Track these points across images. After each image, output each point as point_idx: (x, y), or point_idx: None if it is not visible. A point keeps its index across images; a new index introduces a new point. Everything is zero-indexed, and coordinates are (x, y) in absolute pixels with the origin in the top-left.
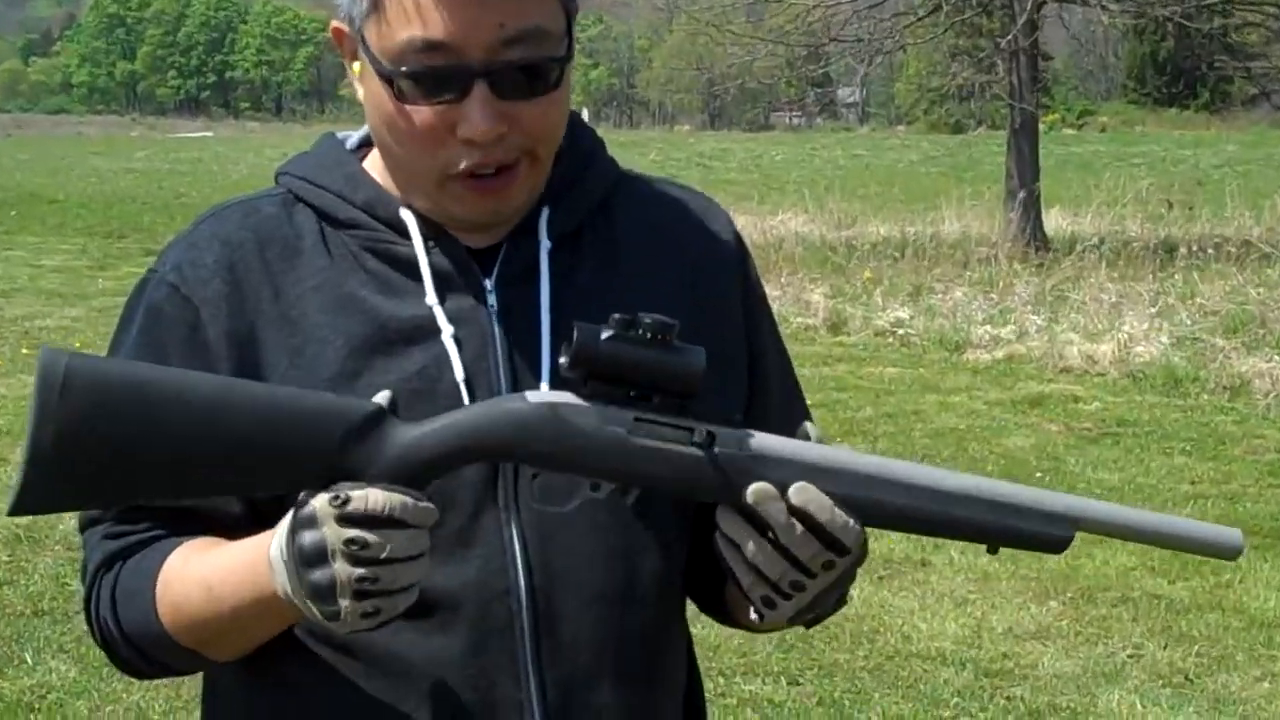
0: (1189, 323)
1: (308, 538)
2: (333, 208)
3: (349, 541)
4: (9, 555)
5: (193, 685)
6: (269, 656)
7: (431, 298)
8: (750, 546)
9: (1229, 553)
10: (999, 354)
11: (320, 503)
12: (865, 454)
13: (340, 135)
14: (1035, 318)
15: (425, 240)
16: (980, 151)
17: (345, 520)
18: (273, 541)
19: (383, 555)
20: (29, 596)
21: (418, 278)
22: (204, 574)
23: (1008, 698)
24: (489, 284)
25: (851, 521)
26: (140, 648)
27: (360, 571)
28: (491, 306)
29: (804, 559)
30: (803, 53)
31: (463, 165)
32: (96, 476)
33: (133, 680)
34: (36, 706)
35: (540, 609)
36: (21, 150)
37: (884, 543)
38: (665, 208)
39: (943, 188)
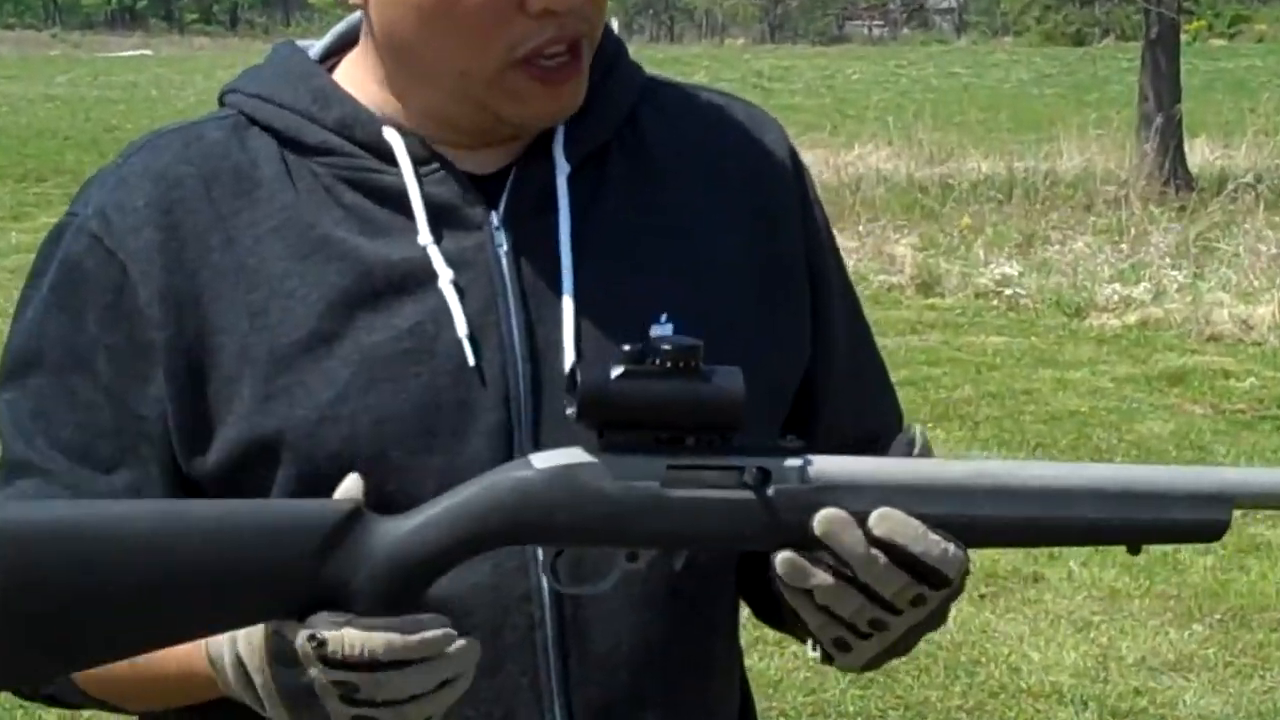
0: None
1: (291, 678)
2: (297, 130)
3: (338, 683)
4: None
5: None
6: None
7: (425, 236)
8: (817, 583)
9: None
10: (1130, 319)
11: (300, 641)
12: (958, 460)
13: (301, 44)
14: (1176, 274)
15: (415, 165)
16: (1107, 69)
17: (329, 663)
18: (225, 648)
19: (380, 698)
20: None
21: (407, 212)
22: None
23: None
24: (495, 218)
25: (951, 548)
26: None
27: (356, 712)
28: (499, 245)
29: (888, 595)
30: None
31: (533, 44)
32: (35, 649)
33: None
34: None
35: (567, 617)
36: None
37: (987, 555)
38: (704, 119)
39: (1060, 113)
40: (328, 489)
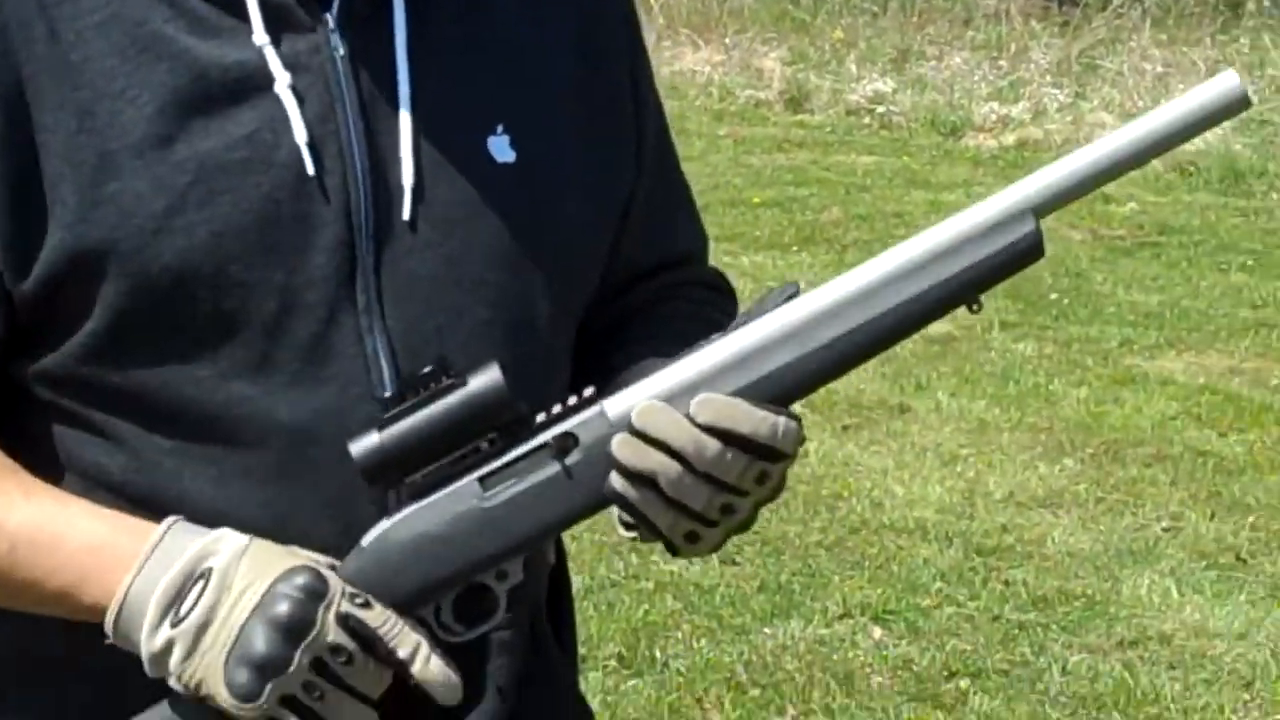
0: (1256, 100)
1: (297, 610)
2: None
3: (335, 647)
4: None
5: None
6: None
7: (261, 35)
8: (661, 468)
9: (1236, 103)
10: (1009, 139)
11: (338, 586)
12: (754, 320)
13: None
14: (1057, 92)
15: None
16: None
17: (347, 626)
18: (140, 576)
19: (350, 681)
20: None
21: (238, 12)
22: (7, 524)
23: (1006, 582)
24: (330, 20)
25: (782, 421)
26: None
27: (314, 679)
28: (336, 49)
29: (732, 479)
30: None
31: None
32: None
33: None
34: None
35: None
36: None
37: (850, 383)
38: None
39: None
40: (159, 305)
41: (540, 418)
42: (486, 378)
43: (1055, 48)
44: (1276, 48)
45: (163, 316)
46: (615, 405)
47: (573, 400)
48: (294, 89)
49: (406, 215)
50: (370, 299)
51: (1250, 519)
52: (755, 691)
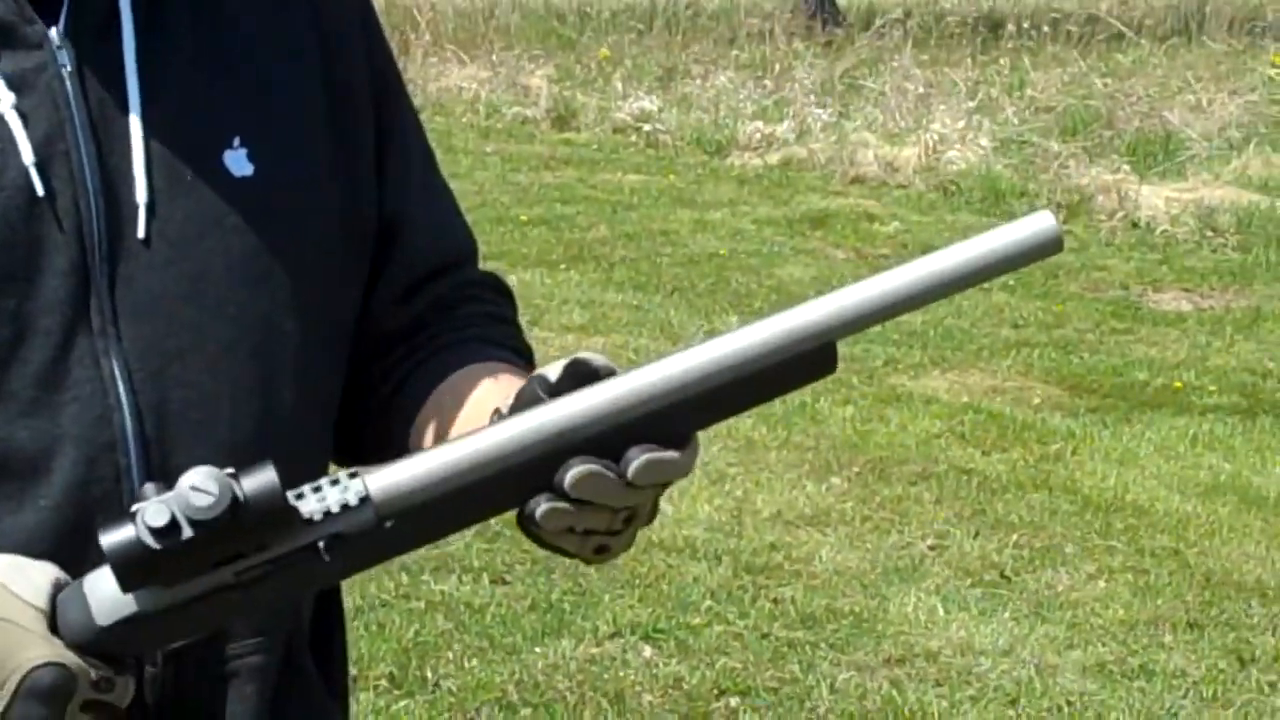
0: (1016, 121)
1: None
2: None
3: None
4: None
5: None
6: None
7: None
8: (583, 522)
9: (1051, 244)
10: (773, 158)
11: (84, 676)
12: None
13: None
14: (821, 112)
15: None
16: None
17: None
18: None
19: None
20: None
21: None
22: None
23: (775, 600)
24: (55, 35)
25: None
26: None
27: None
28: (63, 65)
29: (639, 502)
30: None
31: None
32: None
33: None
34: None
35: (155, 465)
36: None
37: None
38: None
39: None
40: None
41: (304, 506)
42: (262, 485)
43: (819, 68)
44: (1035, 69)
45: None
46: (378, 486)
47: (339, 482)
48: (18, 110)
49: (141, 233)
50: (105, 320)
51: (1014, 536)
52: (527, 711)
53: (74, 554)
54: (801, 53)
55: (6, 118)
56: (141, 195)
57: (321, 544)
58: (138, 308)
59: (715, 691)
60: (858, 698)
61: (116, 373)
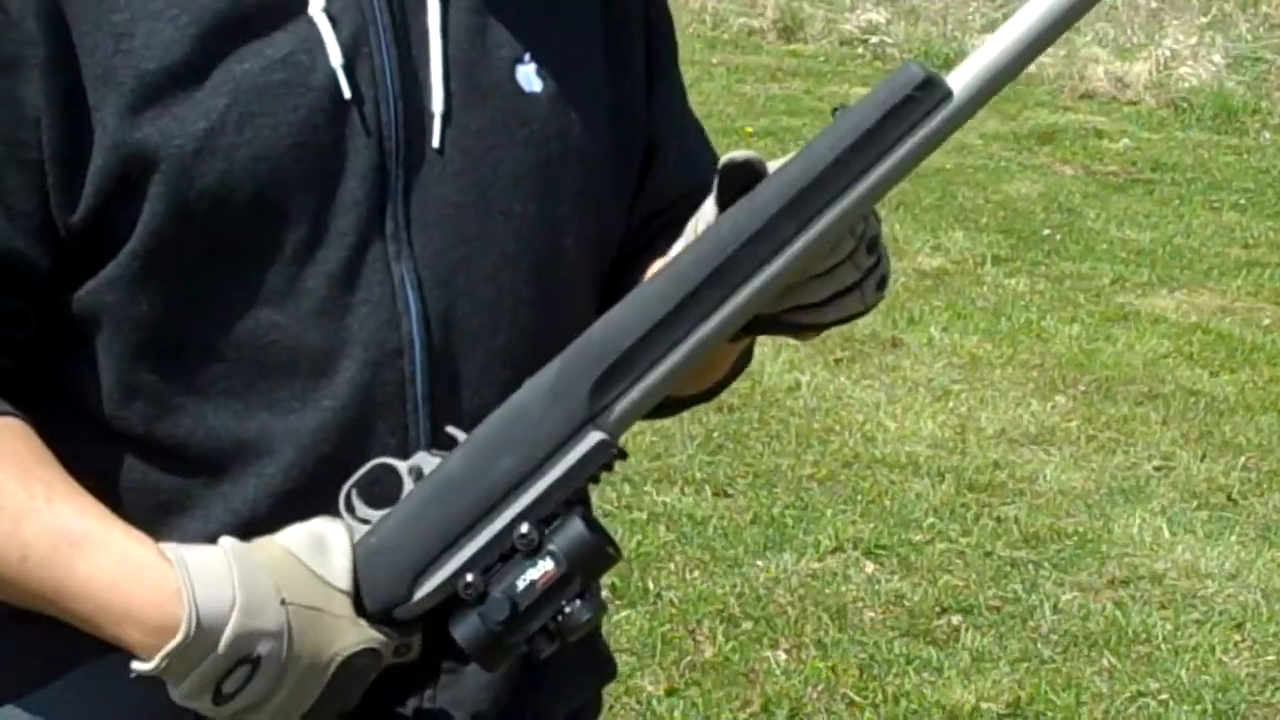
0: (1249, 39)
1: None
2: None
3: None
4: None
5: None
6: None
7: None
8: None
9: None
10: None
11: (388, 652)
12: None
13: None
14: (879, 13)
15: None
16: None
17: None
18: (176, 653)
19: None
20: None
21: None
22: (24, 530)
23: (998, 519)
24: None
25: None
26: None
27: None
28: None
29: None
30: None
31: None
32: None
33: None
34: None
35: (439, 372)
36: None
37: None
38: None
39: None
40: (196, 228)
41: None
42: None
43: None
44: None
45: (198, 240)
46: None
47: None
48: (328, 12)
49: (436, 141)
50: (399, 226)
51: (1241, 459)
52: (748, 624)
53: (353, 456)
54: None
55: (316, 19)
56: (438, 104)
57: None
58: (428, 215)
59: (937, 609)
60: (1081, 618)
61: (406, 279)
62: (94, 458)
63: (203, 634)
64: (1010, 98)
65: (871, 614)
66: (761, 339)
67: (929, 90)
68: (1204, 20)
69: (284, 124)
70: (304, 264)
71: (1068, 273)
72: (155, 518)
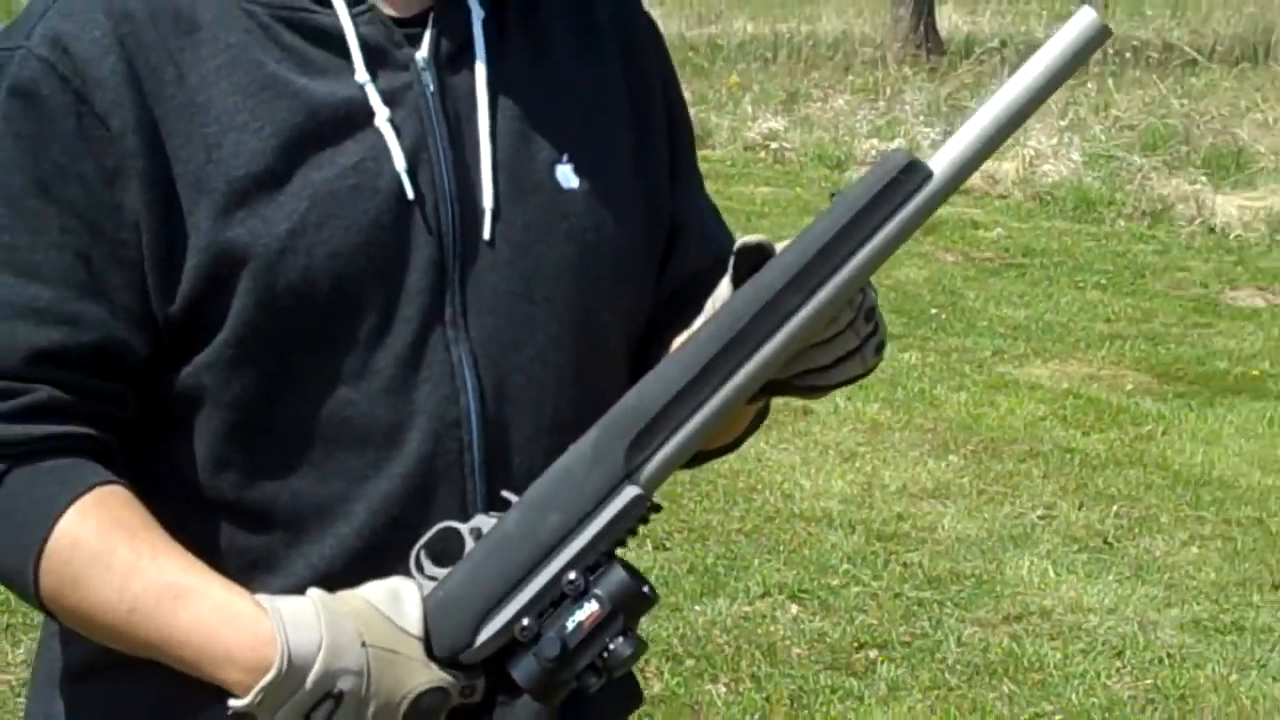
0: (1103, 138)
1: (358, 683)
2: None
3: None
4: None
5: None
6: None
7: (362, 74)
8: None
9: (1099, 34)
10: None
11: (455, 692)
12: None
13: None
14: (928, 130)
15: (347, 6)
16: None
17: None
18: (268, 689)
19: None
20: None
21: (342, 53)
22: (132, 586)
23: (904, 564)
24: (420, 59)
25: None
26: None
27: None
28: (426, 85)
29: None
30: None
31: None
32: None
33: None
34: None
35: (493, 440)
36: None
37: None
38: None
39: None
40: (281, 319)
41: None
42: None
43: (926, 91)
44: (1118, 91)
45: (283, 329)
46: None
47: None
48: (392, 122)
49: (487, 235)
50: (456, 312)
51: (1114, 507)
52: (690, 662)
53: (418, 517)
54: (910, 78)
55: (382, 129)
56: (488, 201)
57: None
58: (482, 302)
59: (855, 644)
60: (981, 650)
61: (463, 359)
62: (189, 521)
63: (293, 671)
64: None
65: (798, 650)
66: None
67: (912, 173)
68: (1063, 123)
69: (356, 224)
70: (375, 348)
71: (954, 347)
72: (244, 574)
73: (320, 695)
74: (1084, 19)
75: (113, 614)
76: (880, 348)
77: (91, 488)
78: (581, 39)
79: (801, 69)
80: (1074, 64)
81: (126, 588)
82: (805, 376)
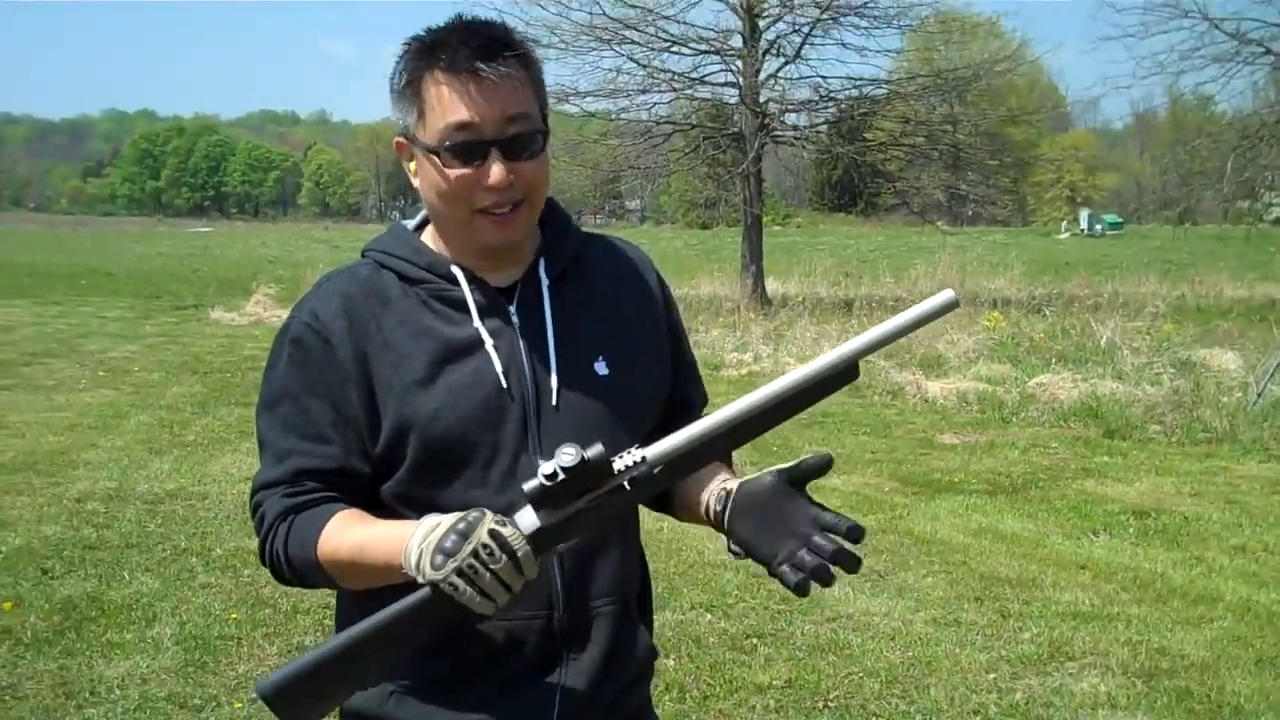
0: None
1: (465, 522)
2: (407, 270)
3: (484, 545)
4: (105, 508)
5: (241, 590)
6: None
7: (477, 322)
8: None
9: (952, 304)
10: (743, 371)
11: (489, 517)
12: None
13: (404, 222)
14: (765, 348)
15: (469, 284)
16: (722, 240)
17: (492, 534)
18: (413, 537)
19: (493, 566)
20: (122, 534)
21: (465, 310)
22: (358, 539)
23: (768, 590)
24: (512, 310)
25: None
26: (300, 573)
27: (472, 561)
28: (515, 325)
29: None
30: (606, 176)
31: (487, 204)
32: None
33: (202, 587)
34: (133, 606)
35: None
36: (85, 242)
37: None
38: (616, 256)
39: (699, 265)
40: (435, 456)
41: (616, 463)
42: (595, 453)
43: (763, 325)
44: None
45: (436, 462)
46: (655, 453)
47: (630, 453)
48: (495, 348)
49: (554, 403)
50: (535, 446)
51: (883, 557)
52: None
53: (525, 622)
54: (753, 318)
55: (490, 353)
56: (554, 384)
57: (626, 482)
58: (552, 441)
59: (744, 635)
60: (814, 638)
61: None
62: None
63: (427, 525)
64: (748, 386)
65: (712, 639)
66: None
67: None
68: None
69: (474, 404)
70: (489, 468)
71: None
72: None
73: (448, 530)
74: (945, 295)
75: (352, 550)
76: (825, 584)
77: (337, 511)
78: (619, 287)
79: (690, 313)
80: (926, 321)
81: (359, 536)
82: (749, 546)
